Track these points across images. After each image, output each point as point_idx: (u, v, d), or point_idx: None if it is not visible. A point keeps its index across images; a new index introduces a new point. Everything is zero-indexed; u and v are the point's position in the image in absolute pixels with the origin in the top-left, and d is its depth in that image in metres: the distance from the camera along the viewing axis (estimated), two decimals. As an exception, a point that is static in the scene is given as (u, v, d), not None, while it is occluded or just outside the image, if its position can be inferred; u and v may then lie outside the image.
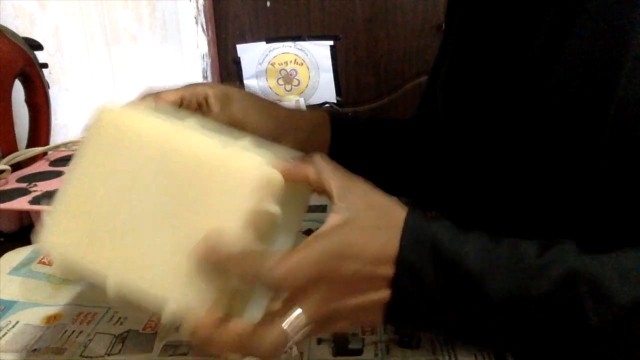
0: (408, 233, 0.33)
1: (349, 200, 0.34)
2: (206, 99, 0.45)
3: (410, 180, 0.60)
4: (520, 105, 0.41)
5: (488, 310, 0.32)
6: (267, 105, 0.49)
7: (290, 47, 1.19)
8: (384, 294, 0.33)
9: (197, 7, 1.80)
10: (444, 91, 0.55)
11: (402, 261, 0.32)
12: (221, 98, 0.45)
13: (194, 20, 1.80)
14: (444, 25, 1.84)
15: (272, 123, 0.47)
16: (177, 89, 0.45)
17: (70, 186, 0.35)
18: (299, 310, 0.31)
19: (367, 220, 0.34)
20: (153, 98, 0.43)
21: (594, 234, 0.35)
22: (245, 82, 1.14)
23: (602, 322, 0.31)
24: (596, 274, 0.31)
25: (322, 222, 0.33)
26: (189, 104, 0.44)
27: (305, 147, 0.50)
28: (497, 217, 0.46)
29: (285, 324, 0.31)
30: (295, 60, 1.21)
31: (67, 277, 0.33)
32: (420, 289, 0.32)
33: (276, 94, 1.44)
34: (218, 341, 0.31)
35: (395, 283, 0.33)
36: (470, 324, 0.34)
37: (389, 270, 0.33)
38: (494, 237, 0.34)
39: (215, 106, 0.45)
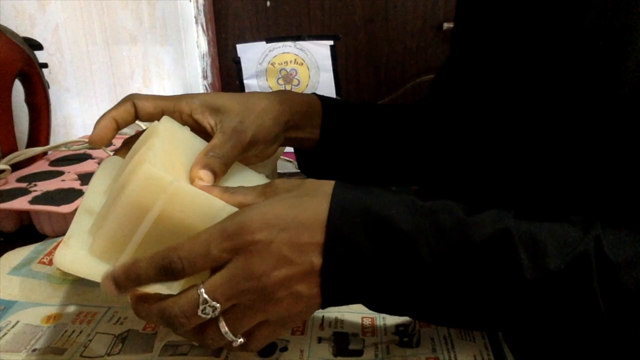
0: (336, 199, 0.33)
1: (272, 187, 0.36)
2: (192, 116, 0.43)
3: (411, 164, 0.59)
4: (526, 98, 0.41)
5: (421, 269, 0.32)
6: (247, 101, 0.45)
7: (290, 47, 1.19)
8: (316, 261, 0.33)
9: (197, 7, 1.80)
10: (456, 77, 0.55)
11: (332, 226, 0.32)
12: (209, 113, 0.44)
13: (194, 20, 1.80)
14: (444, 24, 1.85)
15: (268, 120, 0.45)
16: (158, 100, 0.44)
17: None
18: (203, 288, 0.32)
19: (293, 195, 0.35)
20: (132, 104, 0.43)
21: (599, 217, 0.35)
22: (245, 81, 1.14)
23: (537, 276, 0.31)
24: (532, 232, 0.32)
25: None
26: (172, 117, 0.43)
27: (294, 131, 0.50)
28: (504, 202, 0.46)
29: (201, 289, 0.32)
30: (295, 60, 1.20)
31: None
32: (353, 253, 0.32)
33: (276, 94, 1.42)
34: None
35: (327, 248, 0.32)
36: (406, 289, 0.34)
37: (318, 237, 0.32)
38: (418, 199, 0.35)
39: (207, 126, 0.44)
